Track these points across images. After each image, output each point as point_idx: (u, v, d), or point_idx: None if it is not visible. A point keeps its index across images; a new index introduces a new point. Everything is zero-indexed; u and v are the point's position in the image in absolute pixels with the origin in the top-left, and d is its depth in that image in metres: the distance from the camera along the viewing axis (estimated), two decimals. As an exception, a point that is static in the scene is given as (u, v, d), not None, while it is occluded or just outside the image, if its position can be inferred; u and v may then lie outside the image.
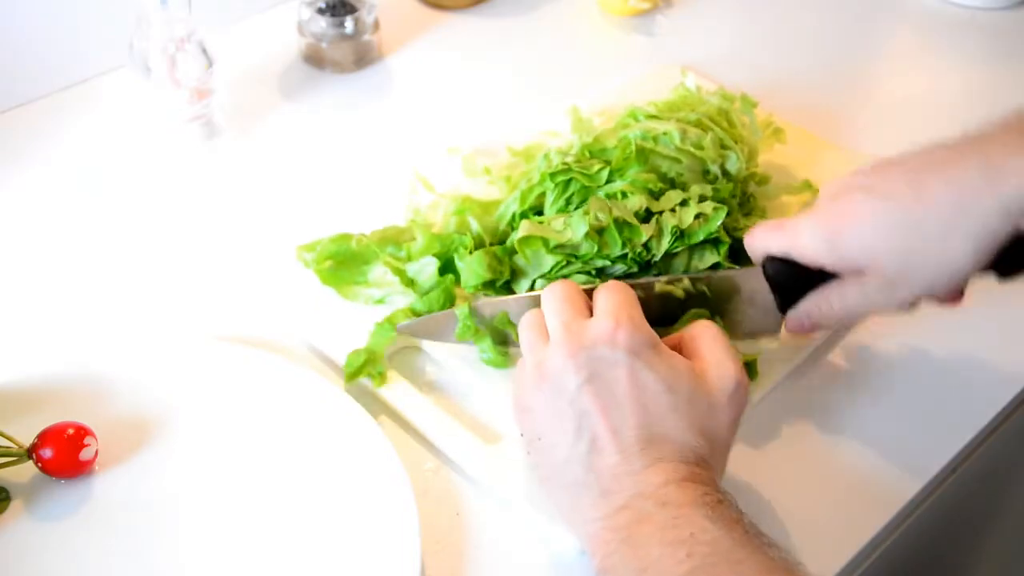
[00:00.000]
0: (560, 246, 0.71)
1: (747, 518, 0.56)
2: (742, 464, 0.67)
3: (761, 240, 0.68)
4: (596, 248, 0.70)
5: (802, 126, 0.90)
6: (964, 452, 0.70)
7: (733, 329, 0.70)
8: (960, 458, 0.70)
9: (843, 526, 0.65)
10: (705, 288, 0.69)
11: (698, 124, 0.78)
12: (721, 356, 0.61)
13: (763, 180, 0.82)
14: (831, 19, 1.08)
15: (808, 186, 0.83)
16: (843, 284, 0.66)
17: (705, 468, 0.59)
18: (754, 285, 0.69)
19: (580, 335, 0.61)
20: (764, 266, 0.68)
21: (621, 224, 0.71)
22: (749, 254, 0.69)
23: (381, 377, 0.70)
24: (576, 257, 0.71)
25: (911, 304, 0.67)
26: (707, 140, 0.76)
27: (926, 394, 0.72)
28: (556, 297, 0.63)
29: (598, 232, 0.70)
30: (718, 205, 0.72)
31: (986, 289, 0.80)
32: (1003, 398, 0.73)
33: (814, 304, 0.67)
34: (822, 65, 0.98)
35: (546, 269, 0.72)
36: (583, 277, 0.71)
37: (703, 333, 0.63)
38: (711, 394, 0.60)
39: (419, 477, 0.65)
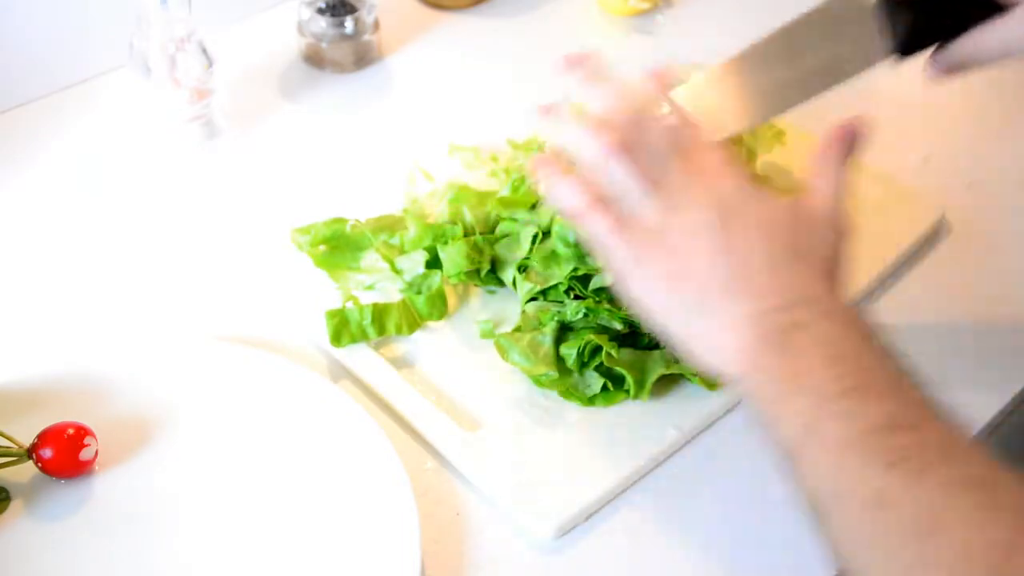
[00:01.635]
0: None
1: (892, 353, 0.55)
2: (732, 463, 0.67)
3: None
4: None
5: (802, 127, 0.90)
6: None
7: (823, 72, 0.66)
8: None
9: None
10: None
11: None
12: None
13: (763, 181, 0.82)
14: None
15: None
16: (1007, 18, 0.63)
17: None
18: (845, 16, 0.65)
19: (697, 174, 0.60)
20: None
21: None
22: None
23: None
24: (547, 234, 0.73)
25: None
26: None
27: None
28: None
29: None
30: None
31: (987, 288, 0.80)
32: (1003, 397, 0.73)
33: (972, 42, 0.64)
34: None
35: (524, 251, 0.73)
36: (567, 252, 0.72)
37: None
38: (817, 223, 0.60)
39: (419, 477, 0.66)
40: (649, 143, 0.61)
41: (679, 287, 0.58)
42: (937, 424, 0.52)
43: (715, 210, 0.59)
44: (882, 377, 0.53)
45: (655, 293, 0.59)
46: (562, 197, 0.62)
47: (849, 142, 0.62)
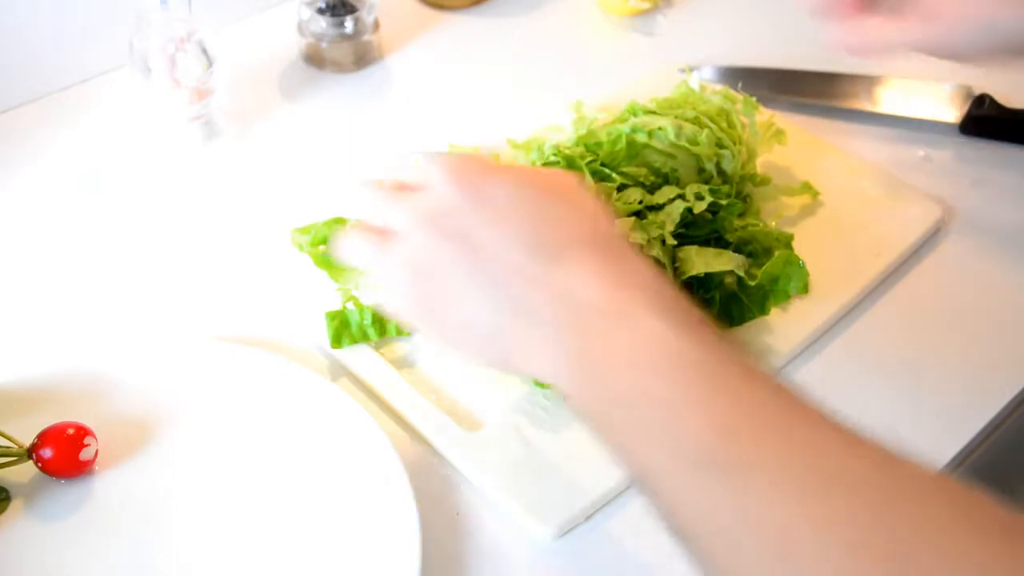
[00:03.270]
0: None
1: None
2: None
3: None
4: None
5: (803, 127, 0.91)
6: (964, 452, 0.70)
7: None
8: (960, 458, 0.70)
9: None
10: None
11: (696, 122, 0.78)
12: None
13: (763, 181, 0.82)
14: (831, 19, 1.08)
15: (807, 188, 0.83)
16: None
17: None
18: None
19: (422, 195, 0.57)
20: None
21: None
22: None
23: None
24: None
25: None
26: (703, 137, 0.76)
27: (925, 394, 0.72)
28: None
29: None
30: (707, 195, 0.73)
31: (987, 288, 0.80)
32: (1003, 398, 0.73)
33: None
34: (823, 66, 0.97)
35: None
36: None
37: None
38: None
39: (419, 477, 0.65)
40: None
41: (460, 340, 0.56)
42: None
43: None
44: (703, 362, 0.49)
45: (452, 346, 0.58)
46: (344, 248, 0.60)
47: None
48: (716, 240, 0.74)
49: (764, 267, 0.72)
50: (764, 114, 0.85)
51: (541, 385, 0.70)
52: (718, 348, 0.50)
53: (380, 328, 0.72)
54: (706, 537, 0.47)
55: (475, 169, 0.58)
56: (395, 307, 0.59)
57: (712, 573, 0.47)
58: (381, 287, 0.59)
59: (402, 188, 0.59)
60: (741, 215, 0.77)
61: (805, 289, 0.74)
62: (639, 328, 0.51)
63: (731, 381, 0.49)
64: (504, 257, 0.54)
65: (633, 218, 0.71)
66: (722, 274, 0.72)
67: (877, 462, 0.46)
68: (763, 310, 0.73)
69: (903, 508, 0.43)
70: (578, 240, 0.55)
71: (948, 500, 0.44)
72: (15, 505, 0.63)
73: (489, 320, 0.55)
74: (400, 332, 0.73)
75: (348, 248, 0.60)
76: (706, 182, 0.76)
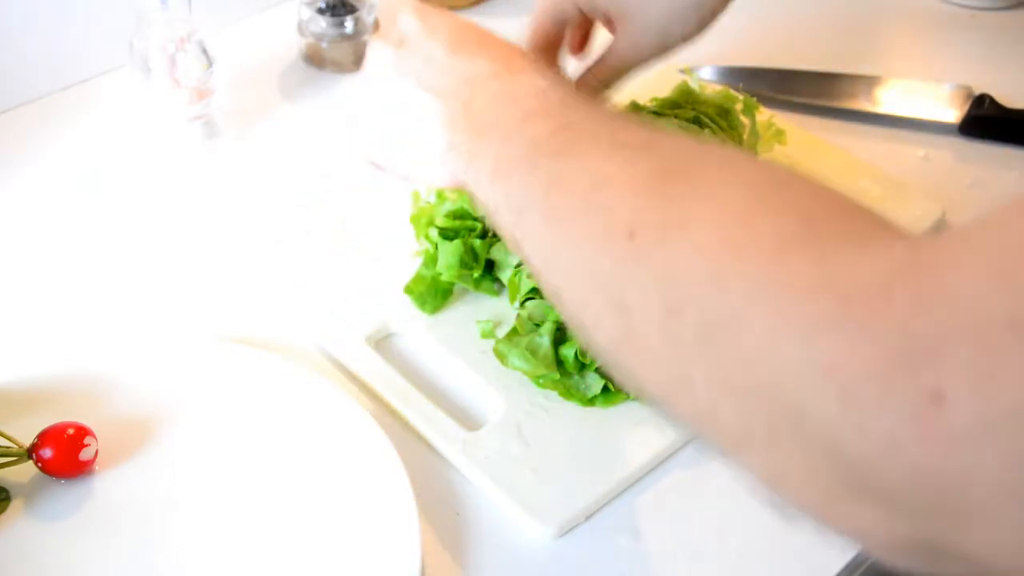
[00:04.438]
0: None
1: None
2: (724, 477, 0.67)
3: None
4: None
5: (803, 127, 0.91)
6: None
7: None
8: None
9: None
10: None
11: (696, 122, 0.79)
12: None
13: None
14: (832, 20, 1.08)
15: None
16: (620, 35, 0.72)
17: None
18: None
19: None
20: None
21: None
22: None
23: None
24: None
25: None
26: (703, 137, 0.76)
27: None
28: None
29: None
30: None
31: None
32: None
33: (603, 64, 0.74)
34: (823, 66, 0.98)
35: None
36: None
37: None
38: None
39: (419, 477, 0.65)
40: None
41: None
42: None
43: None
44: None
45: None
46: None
47: None
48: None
49: (764, 267, 0.72)
50: (764, 114, 0.85)
51: (541, 385, 0.70)
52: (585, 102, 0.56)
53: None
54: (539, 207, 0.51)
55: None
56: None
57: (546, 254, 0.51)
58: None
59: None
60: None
61: (805, 289, 0.74)
62: (516, 80, 0.58)
63: (589, 110, 0.54)
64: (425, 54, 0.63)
65: None
66: None
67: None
68: (763, 310, 0.73)
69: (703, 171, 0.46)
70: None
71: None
72: (15, 505, 0.63)
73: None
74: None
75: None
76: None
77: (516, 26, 1.07)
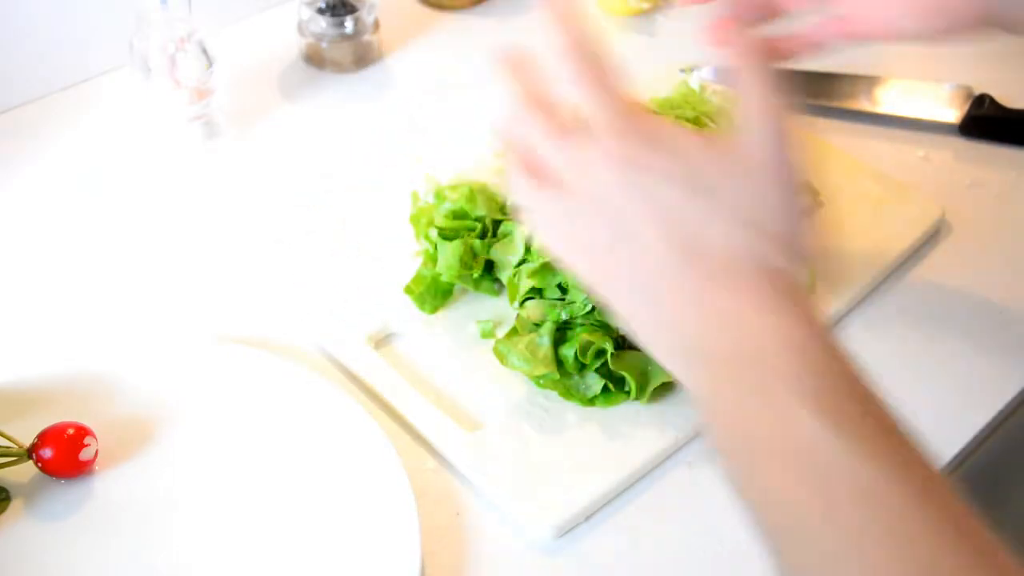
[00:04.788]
0: None
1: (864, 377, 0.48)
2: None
3: None
4: None
5: (803, 127, 0.90)
6: (963, 453, 0.70)
7: None
8: (959, 459, 0.70)
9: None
10: None
11: (696, 122, 0.79)
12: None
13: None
14: (831, 19, 1.08)
15: (807, 188, 0.83)
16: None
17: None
18: None
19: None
20: None
21: None
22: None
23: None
24: None
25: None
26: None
27: (924, 395, 0.72)
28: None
29: None
30: None
31: (987, 288, 0.80)
32: (1002, 399, 0.73)
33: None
34: (823, 66, 0.97)
35: (521, 253, 0.73)
36: None
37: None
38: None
39: (419, 477, 0.66)
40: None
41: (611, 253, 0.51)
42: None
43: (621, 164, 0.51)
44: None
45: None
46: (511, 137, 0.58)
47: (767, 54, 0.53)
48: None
49: (764, 267, 0.72)
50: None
51: (541, 385, 0.70)
52: (880, 455, 0.46)
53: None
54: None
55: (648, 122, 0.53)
56: (554, 245, 0.55)
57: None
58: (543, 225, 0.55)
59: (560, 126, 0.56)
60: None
61: (805, 289, 0.74)
62: (784, 418, 0.46)
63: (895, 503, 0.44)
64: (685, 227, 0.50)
65: None
66: None
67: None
68: (763, 310, 0.73)
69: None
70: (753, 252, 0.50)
71: None
72: (15, 505, 0.63)
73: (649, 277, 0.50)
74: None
75: (519, 189, 0.56)
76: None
77: (516, 26, 1.07)
